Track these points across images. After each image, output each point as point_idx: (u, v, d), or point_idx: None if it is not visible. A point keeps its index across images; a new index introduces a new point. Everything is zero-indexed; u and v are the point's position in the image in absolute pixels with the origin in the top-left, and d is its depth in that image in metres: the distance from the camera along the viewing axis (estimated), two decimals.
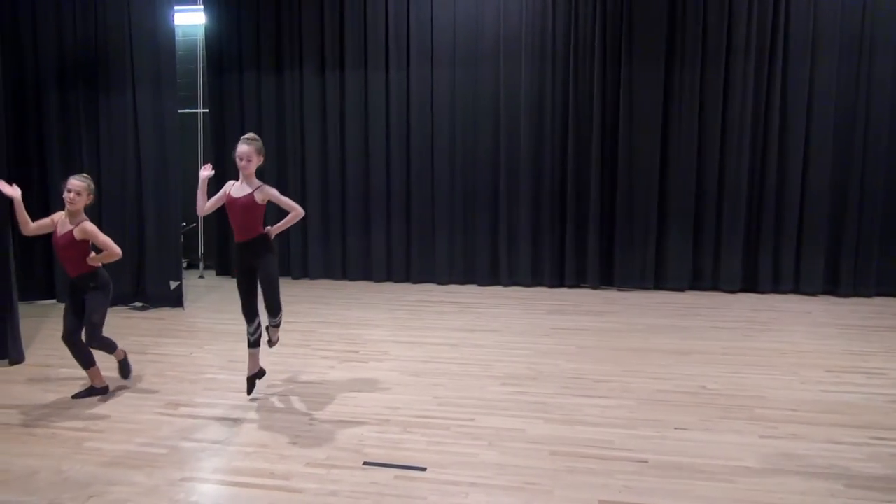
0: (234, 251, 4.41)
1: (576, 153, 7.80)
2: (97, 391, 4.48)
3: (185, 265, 8.09)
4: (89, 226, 4.32)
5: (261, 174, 4.33)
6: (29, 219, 4.34)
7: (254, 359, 4.40)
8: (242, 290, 4.34)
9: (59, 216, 4.39)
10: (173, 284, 7.07)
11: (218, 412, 4.19)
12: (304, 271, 8.56)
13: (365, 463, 3.48)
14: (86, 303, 4.36)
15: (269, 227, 4.34)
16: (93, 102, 7.10)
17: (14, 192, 4.28)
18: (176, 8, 7.17)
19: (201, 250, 8.86)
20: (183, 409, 4.24)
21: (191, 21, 8.66)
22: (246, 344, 4.38)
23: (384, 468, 3.42)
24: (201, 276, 8.72)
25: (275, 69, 8.42)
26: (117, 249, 4.36)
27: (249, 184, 4.23)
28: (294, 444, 3.72)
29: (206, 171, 4.29)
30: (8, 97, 6.39)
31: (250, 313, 4.33)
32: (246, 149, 4.18)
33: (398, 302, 7.33)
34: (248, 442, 3.76)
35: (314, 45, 8.27)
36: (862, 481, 3.28)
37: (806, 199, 7.44)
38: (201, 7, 8.50)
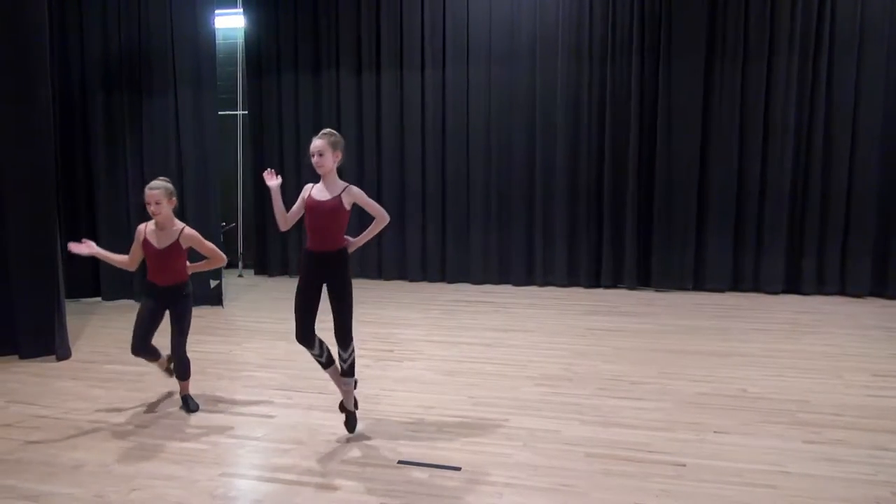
0: (304, 261, 3.76)
1: (613, 152, 7.72)
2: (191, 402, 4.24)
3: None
4: (192, 232, 4.10)
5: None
6: (122, 257, 4.13)
7: (338, 378, 3.81)
8: (303, 307, 3.69)
9: (142, 229, 4.10)
10: (213, 283, 7.20)
11: (256, 409, 4.26)
12: None
13: (400, 462, 3.50)
14: (175, 310, 4.10)
15: (349, 238, 3.76)
16: (136, 105, 7.29)
17: (89, 249, 4.03)
18: (216, 12, 7.32)
19: (240, 249, 9.00)
20: (222, 406, 4.32)
21: (230, 24, 8.82)
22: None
23: (419, 467, 3.43)
24: (240, 275, 8.87)
25: (312, 71, 8.52)
26: (223, 256, 4.21)
27: (333, 185, 3.66)
28: (330, 441, 3.76)
29: (273, 180, 3.75)
30: (55, 100, 6.58)
31: (310, 336, 3.72)
32: (318, 143, 3.60)
33: (433, 301, 7.34)
34: (285, 439, 3.81)
35: (351, 46, 8.35)
36: None
37: (852, 197, 7.22)
38: (241, 11, 8.66)
